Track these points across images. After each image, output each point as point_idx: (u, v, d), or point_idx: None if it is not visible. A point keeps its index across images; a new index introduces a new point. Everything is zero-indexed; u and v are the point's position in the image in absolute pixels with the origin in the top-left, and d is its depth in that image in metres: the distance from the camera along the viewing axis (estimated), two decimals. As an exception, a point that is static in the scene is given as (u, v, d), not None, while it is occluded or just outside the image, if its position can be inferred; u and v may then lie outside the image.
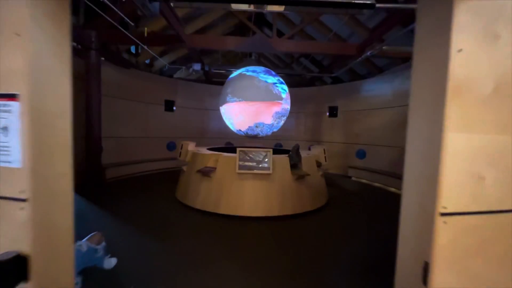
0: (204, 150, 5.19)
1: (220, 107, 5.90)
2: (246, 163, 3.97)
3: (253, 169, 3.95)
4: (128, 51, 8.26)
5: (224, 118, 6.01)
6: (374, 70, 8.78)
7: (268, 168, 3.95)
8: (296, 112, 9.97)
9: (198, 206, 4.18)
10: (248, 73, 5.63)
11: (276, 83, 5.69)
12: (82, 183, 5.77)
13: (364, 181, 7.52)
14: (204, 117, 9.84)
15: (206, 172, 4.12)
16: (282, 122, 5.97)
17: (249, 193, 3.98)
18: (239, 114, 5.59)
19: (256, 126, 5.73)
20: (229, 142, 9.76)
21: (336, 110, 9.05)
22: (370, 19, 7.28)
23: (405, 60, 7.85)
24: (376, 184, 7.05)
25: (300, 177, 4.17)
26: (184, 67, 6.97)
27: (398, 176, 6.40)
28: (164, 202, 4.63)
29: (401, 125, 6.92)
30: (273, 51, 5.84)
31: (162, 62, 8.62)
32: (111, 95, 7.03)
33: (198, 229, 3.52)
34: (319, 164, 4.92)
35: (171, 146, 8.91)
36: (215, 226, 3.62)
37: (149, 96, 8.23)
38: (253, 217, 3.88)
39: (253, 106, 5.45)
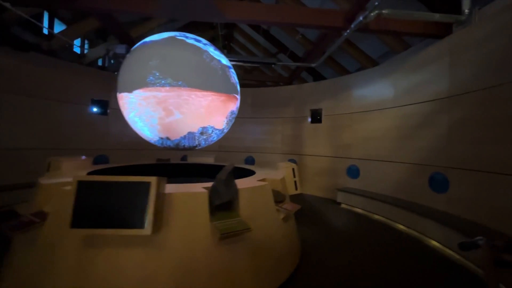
0: (75, 174, 2.90)
1: (123, 94, 3.07)
2: (97, 209, 1.73)
3: (110, 223, 1.71)
4: (36, 30, 6.05)
5: (129, 115, 3.20)
6: (367, 63, 6.90)
7: (142, 222, 1.71)
8: (271, 118, 7.90)
9: (-4, 306, 1.87)
10: (189, 41, 3.22)
11: (231, 67, 3.52)
12: None
13: (358, 210, 5.37)
14: (152, 123, 7.57)
15: (19, 228, 1.85)
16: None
17: (102, 281, 1.71)
18: (175, 110, 3.07)
19: (201, 133, 3.38)
20: (186, 156, 7.51)
21: (320, 114, 7.02)
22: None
23: (407, 47, 6.03)
24: (376, 217, 4.90)
25: (230, 235, 1.95)
26: (105, 49, 4.77)
27: (406, 206, 4.28)
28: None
29: (410, 131, 4.73)
30: (217, 18, 3.76)
31: (97, 51, 6.48)
32: (-12, 87, 4.76)
33: None
34: (279, 199, 2.71)
35: (101, 161, 6.56)
36: None
37: (65, 93, 5.96)
38: None
39: (205, 98, 3.04)
